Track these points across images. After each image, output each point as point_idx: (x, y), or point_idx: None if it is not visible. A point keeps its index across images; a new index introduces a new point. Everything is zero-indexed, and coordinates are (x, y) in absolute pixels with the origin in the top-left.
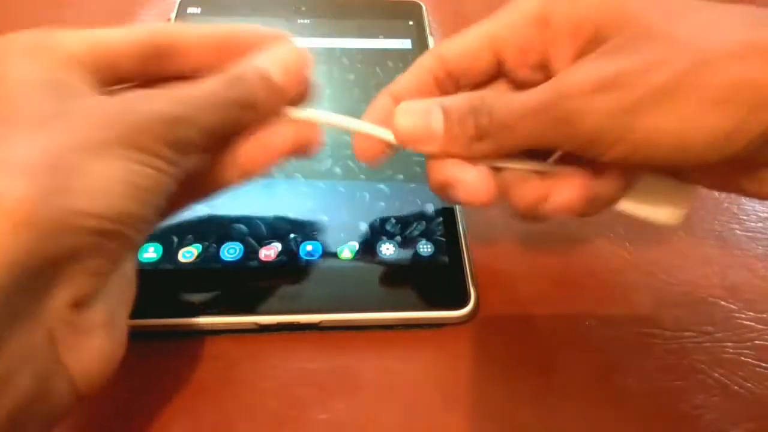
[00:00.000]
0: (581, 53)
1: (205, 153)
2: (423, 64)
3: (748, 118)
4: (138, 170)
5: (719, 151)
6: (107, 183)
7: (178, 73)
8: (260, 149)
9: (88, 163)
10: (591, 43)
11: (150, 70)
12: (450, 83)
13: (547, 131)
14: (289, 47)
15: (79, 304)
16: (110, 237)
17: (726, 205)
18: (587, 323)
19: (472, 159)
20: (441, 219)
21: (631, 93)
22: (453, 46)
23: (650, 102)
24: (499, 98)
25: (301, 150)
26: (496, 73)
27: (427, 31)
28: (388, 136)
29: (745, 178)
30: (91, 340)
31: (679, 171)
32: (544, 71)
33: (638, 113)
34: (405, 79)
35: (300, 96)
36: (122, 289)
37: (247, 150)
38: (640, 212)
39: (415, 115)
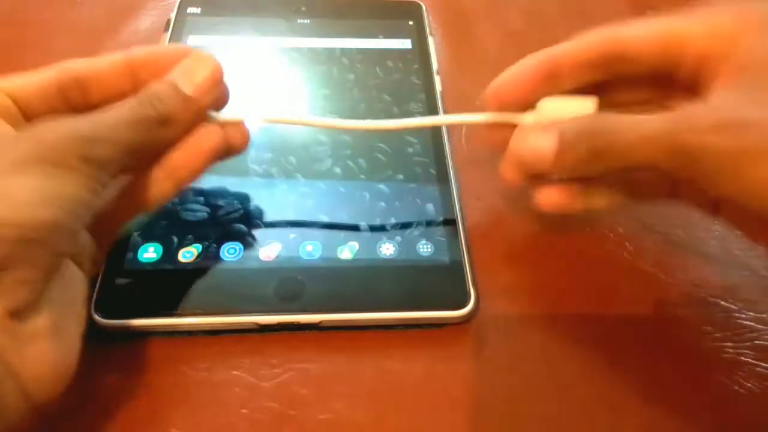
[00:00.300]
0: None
1: (130, 168)
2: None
3: None
4: (55, 183)
5: None
6: (25, 195)
7: (102, 101)
8: (188, 156)
9: (6, 180)
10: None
11: (74, 103)
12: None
13: (664, 161)
14: (196, 58)
15: (16, 314)
16: (34, 246)
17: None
18: (587, 323)
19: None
20: (441, 219)
21: (752, 141)
22: (633, 31)
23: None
24: (620, 121)
25: (231, 150)
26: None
27: (427, 31)
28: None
29: None
30: (36, 347)
31: None
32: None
33: (756, 161)
34: (569, 49)
35: (218, 100)
36: (69, 296)
37: (176, 159)
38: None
39: (524, 142)
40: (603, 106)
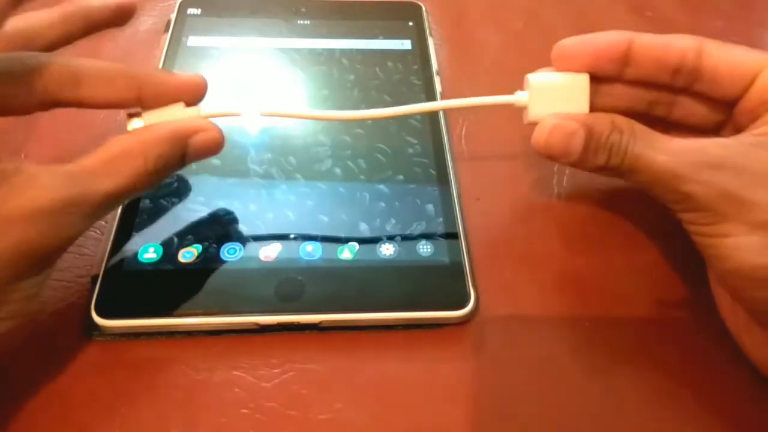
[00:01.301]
0: None
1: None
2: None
3: None
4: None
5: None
6: None
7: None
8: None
9: None
10: None
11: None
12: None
13: (667, 194)
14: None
15: None
16: None
17: None
18: (587, 323)
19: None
20: (441, 219)
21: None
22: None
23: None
24: (639, 142)
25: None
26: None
27: (427, 32)
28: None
29: None
30: None
31: None
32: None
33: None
34: (651, 41)
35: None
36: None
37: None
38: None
39: (560, 134)
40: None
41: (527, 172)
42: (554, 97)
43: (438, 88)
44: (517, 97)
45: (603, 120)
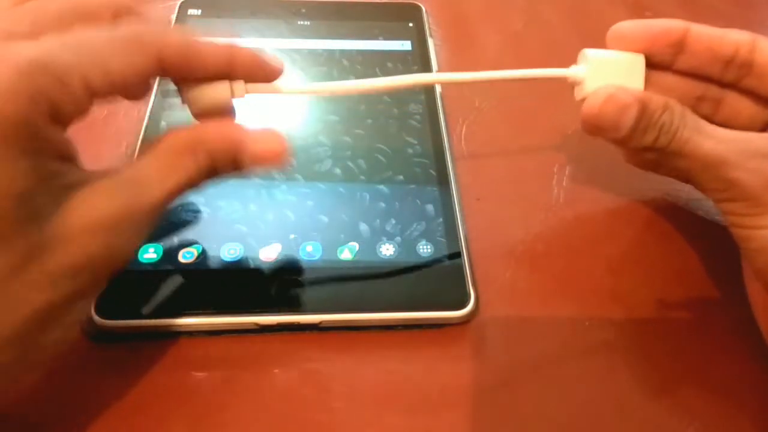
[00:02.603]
0: None
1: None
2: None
3: None
4: None
5: None
6: None
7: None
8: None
9: None
10: None
11: None
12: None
13: (712, 182)
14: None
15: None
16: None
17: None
18: (587, 323)
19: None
20: (441, 219)
21: None
22: None
23: None
24: (690, 125)
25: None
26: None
27: (427, 33)
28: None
29: None
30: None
31: None
32: None
33: None
34: (709, 32)
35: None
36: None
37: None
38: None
39: (614, 105)
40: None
41: (527, 172)
42: (610, 73)
43: (438, 88)
44: (573, 71)
45: (657, 99)
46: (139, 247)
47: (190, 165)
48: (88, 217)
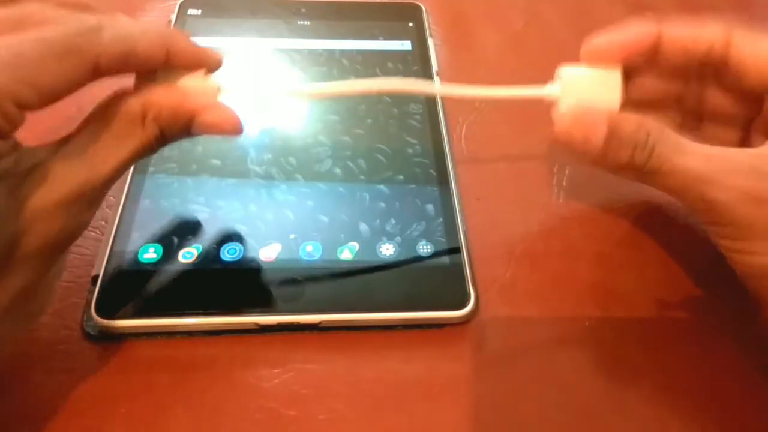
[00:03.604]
0: None
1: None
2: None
3: None
4: None
5: None
6: None
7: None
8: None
9: None
10: None
11: None
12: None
13: (694, 202)
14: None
15: None
16: None
17: None
18: (587, 323)
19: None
20: (441, 219)
21: None
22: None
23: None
24: (667, 144)
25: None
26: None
27: (427, 33)
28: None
29: None
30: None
31: None
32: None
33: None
34: (680, 31)
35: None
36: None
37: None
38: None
39: (582, 124)
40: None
41: (527, 172)
42: (585, 90)
43: None
44: (548, 91)
45: (629, 118)
46: (92, 218)
47: (141, 134)
48: (49, 198)
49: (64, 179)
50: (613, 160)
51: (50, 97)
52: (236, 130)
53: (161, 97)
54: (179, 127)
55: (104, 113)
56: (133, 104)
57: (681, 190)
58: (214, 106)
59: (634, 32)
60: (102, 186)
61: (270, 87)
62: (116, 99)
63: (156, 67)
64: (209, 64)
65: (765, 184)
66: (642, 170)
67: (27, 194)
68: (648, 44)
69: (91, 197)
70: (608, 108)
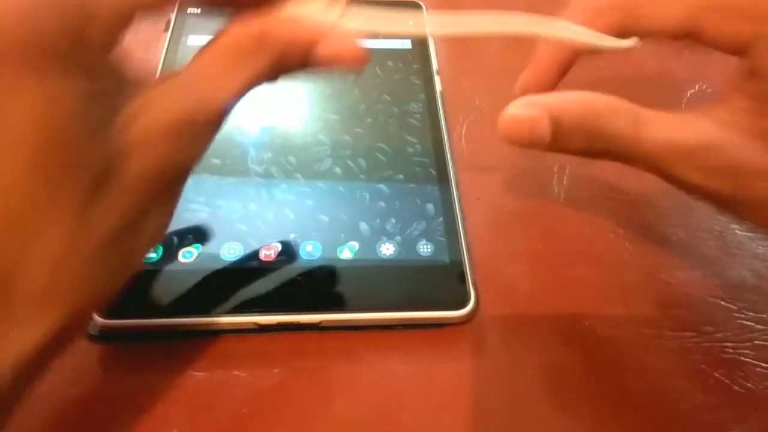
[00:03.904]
0: None
1: None
2: None
3: None
4: None
5: None
6: None
7: None
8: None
9: None
10: None
11: None
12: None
13: (662, 170)
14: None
15: None
16: None
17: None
18: (587, 323)
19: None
20: (441, 219)
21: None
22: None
23: None
24: (622, 123)
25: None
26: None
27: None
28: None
29: None
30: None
31: None
32: None
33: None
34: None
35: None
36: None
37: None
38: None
39: (520, 124)
40: None
41: (527, 171)
42: None
43: (438, 87)
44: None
45: (573, 105)
46: (203, 154)
47: (255, 64)
48: (152, 125)
49: (170, 106)
50: (569, 148)
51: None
52: (359, 61)
53: (276, 25)
54: (296, 58)
55: (217, 43)
56: (249, 32)
57: (649, 170)
58: (334, 35)
59: (545, 61)
60: (211, 117)
61: (395, 21)
62: (230, 28)
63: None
64: None
65: (733, 153)
66: (609, 156)
67: (130, 118)
68: (561, 63)
69: (199, 129)
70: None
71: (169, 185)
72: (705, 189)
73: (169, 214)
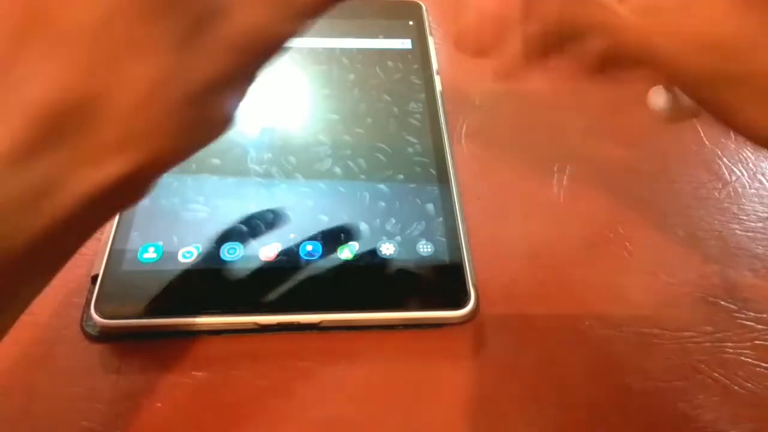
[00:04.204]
0: None
1: None
2: None
3: None
4: None
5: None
6: None
7: None
8: None
9: None
10: None
11: None
12: None
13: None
14: None
15: None
16: None
17: (726, 205)
18: (587, 323)
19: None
20: (441, 218)
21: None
22: None
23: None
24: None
25: None
26: None
27: (427, 31)
28: None
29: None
30: None
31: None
32: None
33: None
34: None
35: None
36: None
37: None
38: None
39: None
40: None
41: (527, 171)
42: None
43: (438, 87)
44: None
45: None
46: (298, 33)
47: None
48: None
49: None
50: (544, 20)
51: None
52: None
53: None
54: None
55: None
56: None
57: (633, 50)
58: None
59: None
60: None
61: None
62: None
63: None
64: None
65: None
66: (585, 27)
67: None
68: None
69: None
70: None
71: (256, 59)
72: (689, 66)
73: (243, 94)
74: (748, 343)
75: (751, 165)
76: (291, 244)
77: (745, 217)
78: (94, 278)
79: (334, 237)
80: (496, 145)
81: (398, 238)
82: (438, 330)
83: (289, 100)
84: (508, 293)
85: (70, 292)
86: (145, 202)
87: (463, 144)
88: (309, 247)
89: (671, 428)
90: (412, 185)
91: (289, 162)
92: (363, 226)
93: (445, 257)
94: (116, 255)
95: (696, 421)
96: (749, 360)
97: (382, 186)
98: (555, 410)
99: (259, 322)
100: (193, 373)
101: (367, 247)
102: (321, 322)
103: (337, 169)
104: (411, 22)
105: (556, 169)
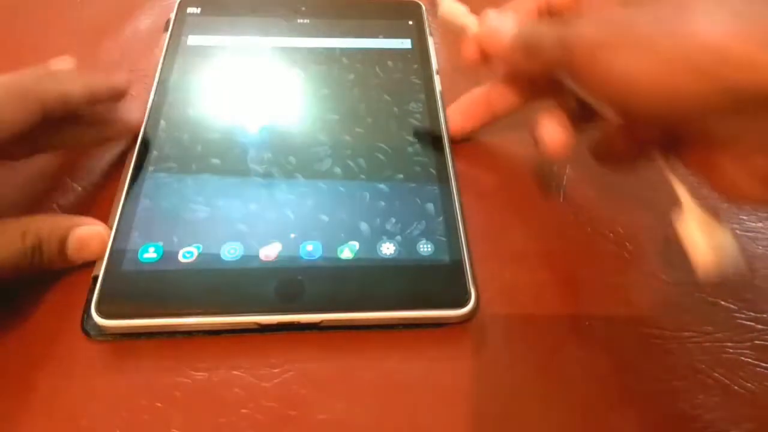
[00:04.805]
0: None
1: None
2: None
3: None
4: None
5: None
6: None
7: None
8: None
9: None
10: None
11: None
12: None
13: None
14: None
15: None
16: None
17: (726, 204)
18: (587, 323)
19: None
20: (441, 218)
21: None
22: None
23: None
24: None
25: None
26: None
27: (427, 31)
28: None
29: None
30: None
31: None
32: None
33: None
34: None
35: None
36: None
37: None
38: (686, 240)
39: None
40: None
41: (527, 171)
42: None
43: (438, 87)
44: None
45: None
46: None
47: None
48: None
49: None
50: (518, 48)
51: (9, 132)
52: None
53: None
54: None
55: None
56: None
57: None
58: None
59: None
60: None
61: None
62: None
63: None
64: (119, 88)
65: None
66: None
67: None
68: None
69: None
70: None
71: None
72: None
73: None
74: (748, 343)
75: None
76: (291, 243)
77: (745, 217)
78: (94, 278)
79: (334, 237)
80: (496, 144)
81: (398, 237)
82: (438, 329)
83: (289, 100)
84: (508, 293)
85: (70, 292)
86: (145, 202)
87: (463, 144)
88: (309, 247)
89: (671, 428)
90: (412, 185)
91: (289, 162)
92: (363, 226)
93: (445, 257)
94: (116, 255)
95: (696, 421)
96: (749, 360)
97: (382, 186)
98: (555, 410)
99: (259, 322)
100: (193, 373)
101: (368, 247)
102: (321, 321)
103: (337, 169)
104: (411, 22)
105: (556, 169)
